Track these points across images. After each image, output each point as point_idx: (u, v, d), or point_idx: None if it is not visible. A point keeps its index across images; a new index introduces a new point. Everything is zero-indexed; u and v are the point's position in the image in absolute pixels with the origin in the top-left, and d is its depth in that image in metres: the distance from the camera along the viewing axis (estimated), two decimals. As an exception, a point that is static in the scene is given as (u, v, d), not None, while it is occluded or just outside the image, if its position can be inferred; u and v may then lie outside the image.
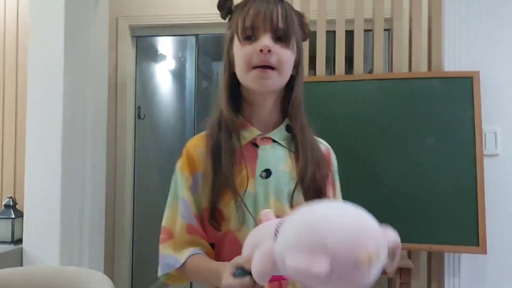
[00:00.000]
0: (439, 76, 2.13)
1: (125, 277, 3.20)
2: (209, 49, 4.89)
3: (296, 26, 0.92)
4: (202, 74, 4.85)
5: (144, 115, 3.53)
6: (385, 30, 2.30)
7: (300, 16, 0.96)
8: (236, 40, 0.90)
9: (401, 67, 2.23)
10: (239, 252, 0.77)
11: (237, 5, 0.94)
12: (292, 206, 0.89)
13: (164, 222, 0.95)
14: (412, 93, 2.13)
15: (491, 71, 2.11)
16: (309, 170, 0.91)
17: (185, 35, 3.59)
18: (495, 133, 2.10)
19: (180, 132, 4.15)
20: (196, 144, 0.96)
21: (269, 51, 0.85)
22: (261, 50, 0.85)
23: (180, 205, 0.92)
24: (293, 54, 0.91)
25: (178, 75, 4.12)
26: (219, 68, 5.31)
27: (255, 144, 0.93)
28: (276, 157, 0.93)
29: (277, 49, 0.87)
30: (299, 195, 0.91)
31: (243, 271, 0.70)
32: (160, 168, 3.81)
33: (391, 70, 2.27)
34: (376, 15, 2.26)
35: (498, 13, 2.15)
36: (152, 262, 3.58)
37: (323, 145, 1.01)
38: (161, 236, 0.95)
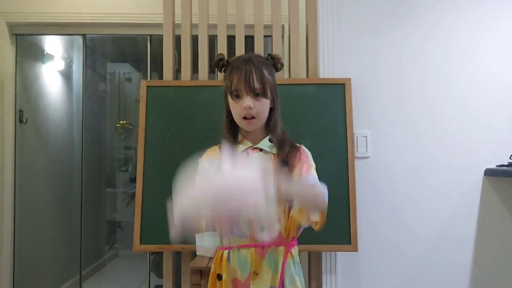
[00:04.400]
0: (315, 82, 2.21)
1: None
2: (104, 50, 4.71)
3: (268, 77, 1.34)
4: (98, 75, 4.66)
5: (26, 119, 3.29)
6: (266, 36, 2.35)
7: (272, 57, 1.42)
8: (229, 96, 1.36)
9: (282, 73, 2.28)
10: None
11: (228, 63, 1.39)
12: None
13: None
14: (291, 98, 2.17)
15: (361, 79, 2.23)
16: (283, 159, 1.35)
17: (71, 35, 3.40)
18: (366, 137, 2.23)
19: (68, 137, 3.92)
20: (212, 151, 1.44)
21: (250, 107, 1.30)
22: (245, 108, 1.31)
23: None
24: (268, 99, 1.34)
25: (66, 77, 3.90)
26: (117, 69, 5.13)
27: (248, 153, 1.38)
28: (261, 159, 1.37)
29: (256, 104, 1.31)
30: None
31: None
32: (47, 175, 3.58)
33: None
34: (256, 22, 2.30)
35: (369, 25, 2.29)
36: (37, 274, 3.35)
37: (297, 145, 1.44)
38: None
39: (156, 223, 2.10)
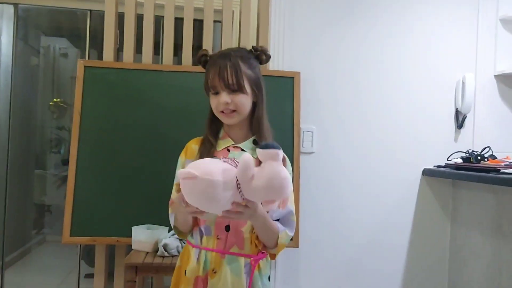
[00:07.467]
0: (263, 74, 2.14)
1: None
2: (38, 22, 4.37)
3: (247, 71, 1.29)
4: (30, 49, 4.33)
5: None
6: (216, 21, 2.26)
7: (256, 50, 1.35)
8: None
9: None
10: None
11: (208, 59, 1.34)
12: None
13: (171, 197, 1.37)
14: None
15: (309, 74, 2.21)
16: None
17: (0, 3, 3.10)
18: (312, 132, 2.22)
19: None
20: (195, 142, 1.38)
21: (227, 103, 1.27)
22: (222, 104, 1.28)
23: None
24: (247, 94, 1.29)
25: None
26: (52, 44, 4.79)
27: (228, 150, 1.34)
28: None
29: (233, 98, 1.27)
30: None
31: None
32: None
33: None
34: (206, 5, 2.20)
35: (321, 21, 2.26)
36: None
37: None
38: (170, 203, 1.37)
39: (89, 213, 1.97)
